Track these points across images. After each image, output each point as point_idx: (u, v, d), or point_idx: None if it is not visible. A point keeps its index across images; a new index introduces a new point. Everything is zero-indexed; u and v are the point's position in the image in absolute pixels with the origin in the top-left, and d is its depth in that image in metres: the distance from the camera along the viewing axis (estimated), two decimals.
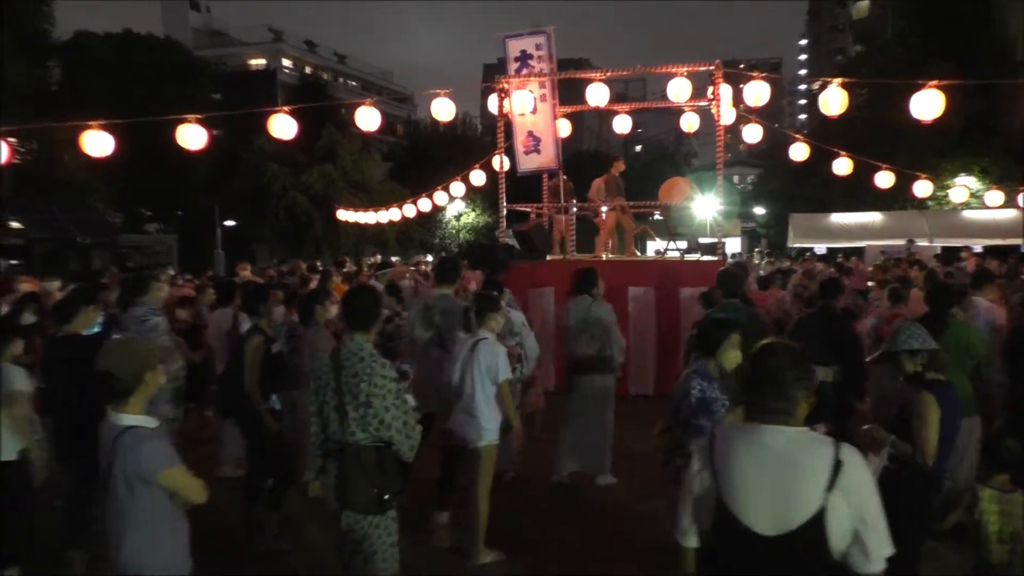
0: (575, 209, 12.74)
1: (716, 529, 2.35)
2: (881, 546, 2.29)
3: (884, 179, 13.26)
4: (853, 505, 2.25)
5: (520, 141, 11.71)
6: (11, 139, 21.77)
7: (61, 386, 4.89)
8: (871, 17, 51.05)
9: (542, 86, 11.36)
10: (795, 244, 24.74)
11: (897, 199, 21.87)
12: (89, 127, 9.21)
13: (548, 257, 11.33)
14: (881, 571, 2.30)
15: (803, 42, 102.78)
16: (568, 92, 12.78)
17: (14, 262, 22.76)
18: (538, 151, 11.58)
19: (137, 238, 31.74)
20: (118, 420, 3.00)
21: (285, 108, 9.87)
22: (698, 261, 11.19)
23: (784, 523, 2.24)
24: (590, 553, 5.42)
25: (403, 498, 3.88)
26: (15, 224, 24.14)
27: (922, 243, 20.05)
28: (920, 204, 22.69)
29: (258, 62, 54.71)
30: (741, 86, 10.19)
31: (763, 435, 2.32)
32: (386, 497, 3.71)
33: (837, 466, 2.25)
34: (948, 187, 20.27)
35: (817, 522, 2.22)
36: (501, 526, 5.80)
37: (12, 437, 4.53)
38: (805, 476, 2.25)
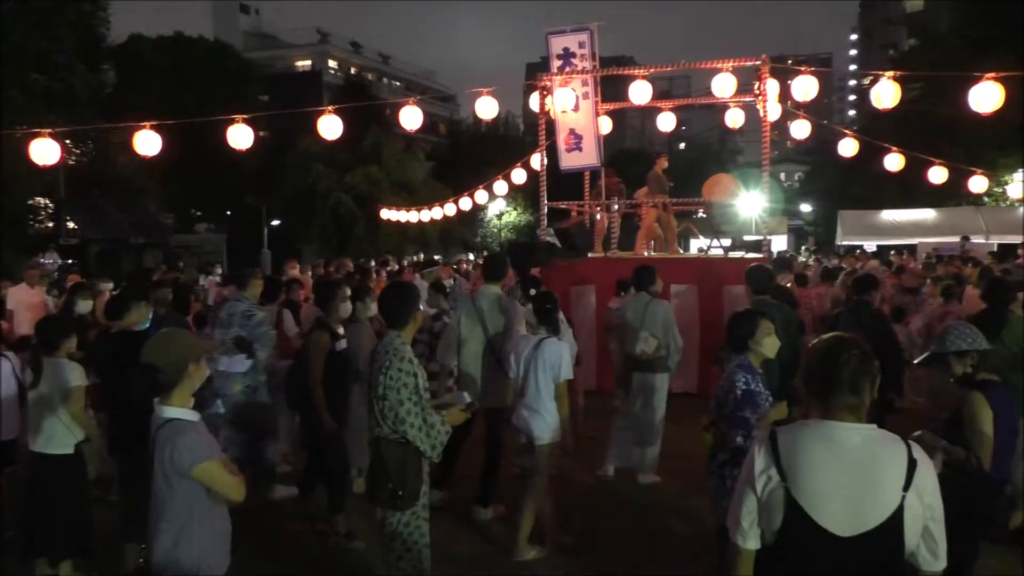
0: (616, 207, 12.67)
1: (787, 530, 2.26)
2: (943, 541, 2.28)
3: (938, 175, 12.94)
4: (926, 504, 2.23)
5: (562, 139, 11.68)
6: (67, 140, 22.54)
7: (113, 381, 5.00)
8: (925, 10, 49.86)
9: (584, 84, 11.32)
10: (844, 241, 24.26)
11: (951, 195, 21.31)
12: (141, 128, 9.45)
13: (589, 255, 11.28)
14: (943, 570, 2.28)
15: (853, 37, 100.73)
16: (610, 90, 12.72)
17: (70, 261, 23.43)
18: (580, 149, 11.55)
19: (187, 238, 32.48)
20: (161, 412, 2.99)
21: (331, 108, 10.00)
22: (742, 258, 11.03)
23: (862, 523, 2.19)
24: (633, 549, 5.38)
25: (428, 496, 3.88)
26: (71, 224, 24.85)
27: (978, 240, 19.52)
28: (975, 200, 22.07)
29: (304, 64, 55.51)
30: (788, 81, 10.02)
31: (838, 433, 2.26)
32: (400, 494, 3.67)
33: (912, 465, 2.22)
34: (1005, 183, 19.68)
35: (895, 521, 2.19)
36: (540, 522, 5.81)
37: (68, 431, 4.66)
38: (883, 475, 2.21)
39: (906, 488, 2.19)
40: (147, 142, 9.48)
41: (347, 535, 5.43)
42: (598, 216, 12.89)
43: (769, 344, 4.11)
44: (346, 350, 5.72)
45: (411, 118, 10.26)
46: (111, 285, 10.10)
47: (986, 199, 23.45)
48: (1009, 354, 5.29)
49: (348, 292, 6.50)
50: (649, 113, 13.45)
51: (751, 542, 2.36)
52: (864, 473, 2.21)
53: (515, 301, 6.28)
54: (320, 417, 5.29)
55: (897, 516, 2.18)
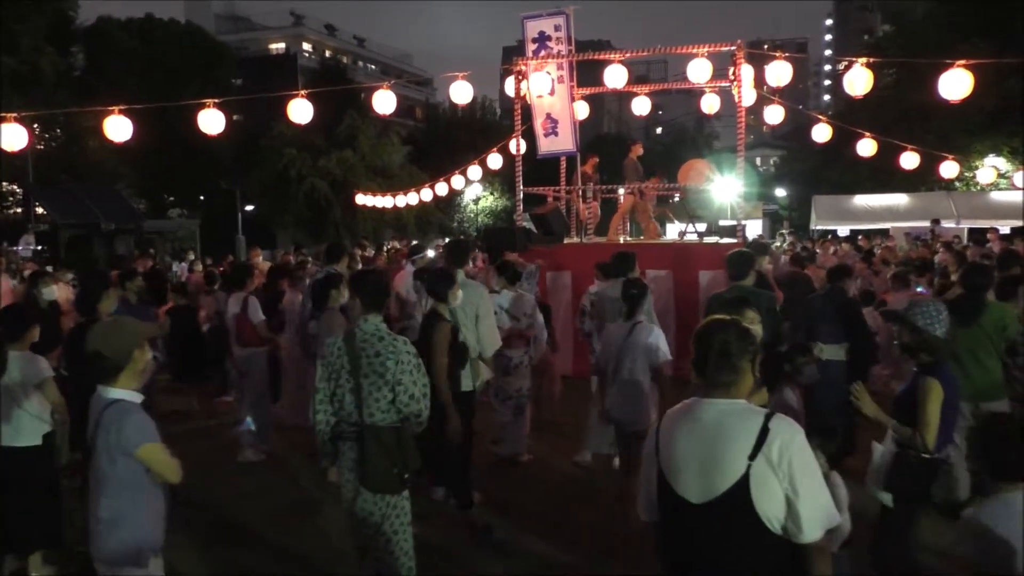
0: (591, 195, 12.69)
1: (659, 501, 2.47)
2: (817, 517, 2.29)
3: (909, 160, 13.06)
4: (782, 474, 2.27)
5: (539, 124, 11.65)
6: (35, 125, 22.13)
7: (80, 372, 4.94)
8: None
9: (560, 68, 11.27)
10: (818, 226, 24.49)
11: (924, 181, 21.57)
12: (110, 112, 9.29)
13: (565, 240, 11.28)
14: (814, 541, 2.30)
15: (829, 22, 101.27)
16: (588, 74, 12.69)
17: (40, 247, 23.05)
18: (556, 134, 11.52)
19: (161, 224, 32.02)
20: (105, 393, 3.10)
21: (302, 92, 9.88)
22: (716, 244, 11.09)
23: (711, 490, 2.31)
24: (610, 535, 5.41)
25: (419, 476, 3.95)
26: (41, 210, 24.45)
27: (948, 224, 19.76)
28: (948, 185, 22.33)
29: (278, 46, 54.85)
30: (764, 66, 10.05)
31: (700, 408, 2.43)
32: (406, 476, 3.77)
33: (764, 433, 2.29)
34: (976, 168, 19.92)
35: (741, 488, 2.27)
36: (522, 507, 5.84)
37: (35, 423, 4.59)
38: (730, 444, 2.31)
39: (752, 456, 2.27)
40: (117, 127, 9.32)
41: (486, 528, 5.33)
42: (588, 202, 12.87)
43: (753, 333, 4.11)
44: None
45: (384, 103, 10.17)
46: (70, 276, 10.00)
47: (958, 184, 23.74)
48: (985, 339, 5.39)
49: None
50: (627, 98, 13.46)
51: (649, 514, 2.58)
52: (712, 443, 2.34)
53: (481, 284, 6.30)
54: (447, 412, 4.99)
55: (743, 483, 2.27)
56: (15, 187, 24.88)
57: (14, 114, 8.78)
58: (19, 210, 25.84)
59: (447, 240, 31.29)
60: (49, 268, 10.41)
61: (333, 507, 5.59)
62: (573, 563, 5.00)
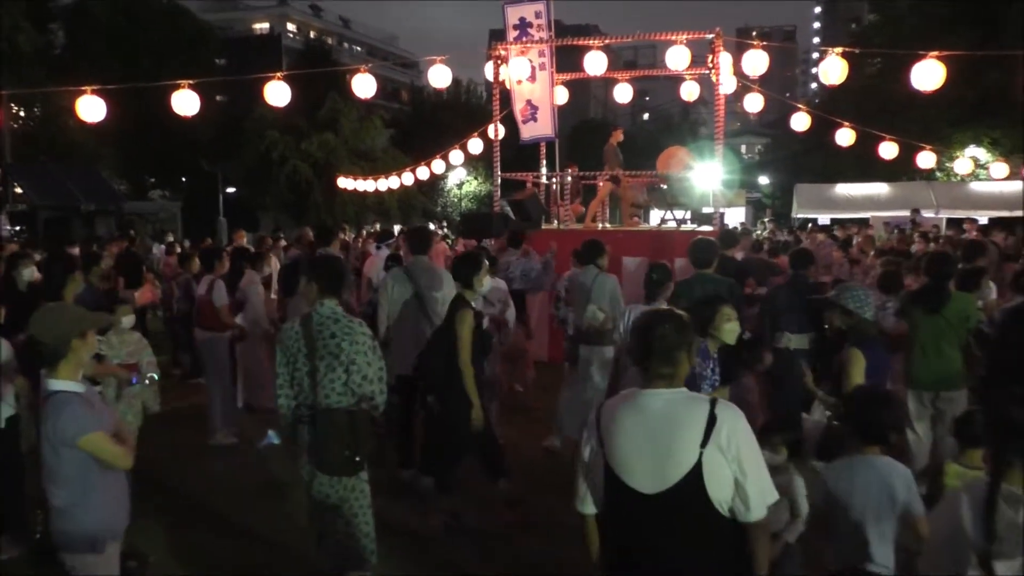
0: (570, 179, 12.70)
1: (607, 493, 2.45)
2: (761, 495, 2.38)
3: (888, 150, 13.15)
4: (731, 458, 2.34)
5: (519, 110, 11.62)
6: (11, 104, 21.83)
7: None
8: None
9: (541, 54, 11.24)
10: (799, 214, 24.61)
11: (906, 170, 21.67)
12: (83, 92, 9.17)
13: (543, 226, 11.29)
14: (761, 519, 2.39)
15: (818, 10, 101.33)
16: (574, 59, 12.65)
17: (18, 228, 22.82)
18: (535, 119, 11.51)
19: (142, 205, 31.75)
20: (47, 385, 3.08)
21: (279, 75, 9.79)
22: (693, 231, 11.13)
23: (664, 480, 2.34)
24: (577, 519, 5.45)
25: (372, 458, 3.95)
26: (18, 190, 24.16)
27: (928, 214, 19.91)
28: (929, 175, 22.48)
29: (262, 26, 54.32)
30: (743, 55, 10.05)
31: (643, 399, 2.44)
32: (358, 459, 3.79)
33: (712, 420, 2.35)
34: (955, 158, 20.05)
35: (695, 475, 2.31)
36: (489, 491, 5.88)
37: None
38: (681, 433, 2.35)
39: (704, 444, 2.32)
40: (91, 108, 9.21)
41: (454, 514, 5.33)
42: (566, 203, 12.87)
43: (729, 330, 4.09)
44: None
45: (364, 86, 10.11)
46: (37, 256, 9.93)
47: (938, 174, 23.90)
48: (948, 328, 5.47)
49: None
50: (613, 84, 13.41)
51: (588, 507, 2.59)
52: (663, 434, 2.37)
53: (445, 271, 6.33)
54: (474, 402, 4.94)
55: (696, 471, 2.32)
56: None
57: None
58: None
59: (431, 225, 31.33)
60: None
61: (301, 490, 5.61)
62: (539, 546, 5.05)
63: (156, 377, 5.76)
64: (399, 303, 5.96)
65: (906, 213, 19.24)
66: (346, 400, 3.76)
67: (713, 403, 2.40)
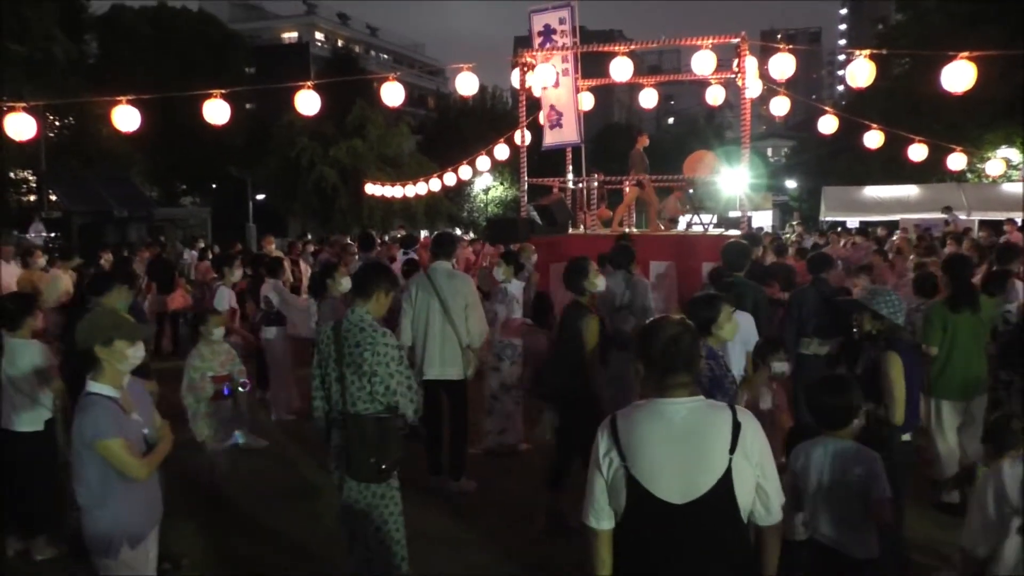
0: (596, 184, 12.71)
1: (631, 506, 2.39)
2: (778, 497, 2.45)
3: (917, 152, 12.97)
4: (754, 463, 2.38)
5: (545, 115, 11.68)
6: (47, 113, 22.27)
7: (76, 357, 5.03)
8: None
9: (564, 60, 11.27)
10: (827, 217, 24.38)
11: (935, 172, 21.40)
12: (118, 102, 9.34)
13: (569, 231, 11.32)
14: (778, 521, 2.46)
15: (843, 11, 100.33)
16: (599, 64, 12.66)
17: (53, 234, 23.27)
18: (560, 125, 11.54)
19: (172, 211, 32.27)
20: (87, 387, 3.14)
21: (310, 84, 9.90)
22: (721, 235, 11.09)
23: (694, 489, 2.32)
24: None
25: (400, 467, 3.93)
26: (53, 197, 24.63)
27: (959, 216, 19.63)
28: (959, 177, 22.17)
29: (291, 35, 54.89)
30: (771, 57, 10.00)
31: (667, 409, 2.41)
32: (384, 467, 3.77)
33: (736, 428, 2.36)
34: (988, 159, 19.73)
35: (725, 483, 2.32)
36: (515, 496, 5.92)
37: (37, 408, 4.71)
38: (709, 441, 2.36)
39: (732, 451, 2.33)
40: (126, 117, 9.34)
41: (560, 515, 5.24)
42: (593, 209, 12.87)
43: (729, 329, 4.14)
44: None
45: (393, 94, 10.17)
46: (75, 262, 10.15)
47: (969, 175, 23.56)
48: (981, 330, 5.48)
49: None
50: (637, 88, 13.38)
51: (604, 523, 2.47)
52: (691, 443, 2.35)
53: (468, 276, 6.37)
54: (598, 400, 4.90)
55: (726, 478, 2.32)
56: (28, 174, 25.05)
57: (23, 103, 8.86)
58: (32, 197, 26.04)
59: (457, 230, 31.41)
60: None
61: (330, 493, 5.69)
62: (571, 553, 5.05)
63: (247, 387, 5.76)
64: (423, 309, 5.99)
65: (936, 215, 19.02)
66: (374, 407, 3.76)
67: (734, 409, 2.43)
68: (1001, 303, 6.19)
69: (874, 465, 3.23)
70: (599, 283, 5.32)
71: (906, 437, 4.06)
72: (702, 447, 2.35)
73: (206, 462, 5.90)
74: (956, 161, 13.51)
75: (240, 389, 5.65)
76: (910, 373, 4.00)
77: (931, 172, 21.17)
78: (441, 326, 5.91)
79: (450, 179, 18.93)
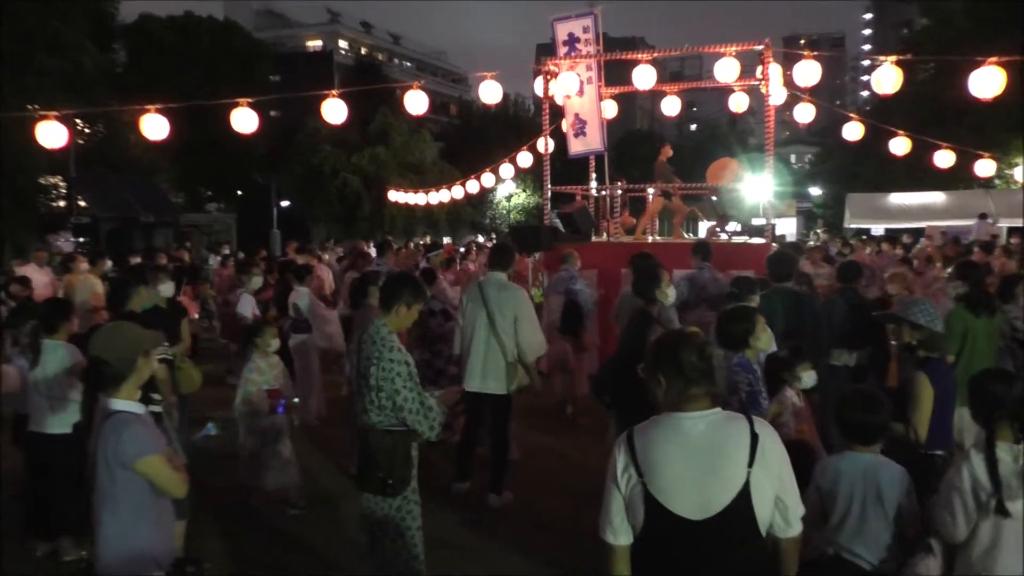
0: (619, 192, 12.70)
1: (648, 522, 2.35)
2: (797, 507, 2.42)
3: (944, 159, 12.81)
4: (773, 474, 2.34)
5: (569, 124, 11.70)
6: (77, 121, 22.64)
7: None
8: None
9: (588, 68, 11.29)
10: (851, 225, 24.12)
11: (962, 178, 21.13)
12: (146, 111, 9.47)
13: (592, 239, 11.31)
14: (799, 534, 2.42)
15: (867, 16, 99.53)
16: (621, 71, 12.67)
17: (81, 239, 23.59)
18: (584, 133, 11.56)
19: (198, 217, 32.63)
20: (108, 404, 2.96)
21: (335, 92, 9.97)
22: (745, 243, 11.04)
23: (713, 505, 2.29)
24: None
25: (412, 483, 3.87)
26: (82, 203, 25.00)
27: (987, 222, 19.37)
28: (987, 183, 21.88)
29: (315, 43, 55.45)
30: (794, 65, 9.95)
31: (685, 423, 2.37)
32: (389, 482, 3.71)
33: (755, 439, 2.33)
34: (1015, 165, 19.48)
35: (744, 497, 2.28)
36: (538, 506, 5.92)
37: (66, 412, 4.78)
38: (727, 455, 2.32)
39: (751, 464, 2.29)
40: (154, 125, 9.45)
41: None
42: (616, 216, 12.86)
43: (765, 339, 4.12)
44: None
45: (416, 102, 10.21)
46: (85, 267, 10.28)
47: (997, 182, 23.24)
48: (996, 333, 5.44)
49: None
50: (659, 95, 13.35)
51: (622, 538, 2.43)
52: (709, 458, 2.32)
53: (521, 288, 6.30)
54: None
55: (744, 493, 2.28)
56: (58, 180, 25.46)
57: (54, 113, 9.01)
58: (62, 203, 26.46)
59: (479, 237, 31.42)
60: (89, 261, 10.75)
61: (352, 500, 5.72)
62: (588, 562, 5.05)
63: (296, 401, 5.73)
64: (471, 320, 5.92)
65: (963, 222, 18.77)
66: (387, 420, 3.71)
67: (751, 421, 2.39)
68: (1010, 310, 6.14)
69: (905, 480, 3.19)
70: (670, 293, 5.25)
71: (940, 452, 4.00)
72: (720, 462, 2.31)
73: (241, 470, 5.90)
74: (984, 167, 13.34)
75: (295, 401, 5.63)
76: (943, 390, 3.94)
77: (958, 178, 20.91)
78: (486, 338, 5.83)
79: (473, 186, 18.99)
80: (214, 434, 6.23)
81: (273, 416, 5.60)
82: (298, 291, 8.22)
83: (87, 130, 26.34)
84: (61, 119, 8.94)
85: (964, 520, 3.00)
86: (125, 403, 2.97)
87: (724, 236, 11.93)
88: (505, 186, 34.41)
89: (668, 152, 11.89)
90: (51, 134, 8.86)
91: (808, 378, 4.36)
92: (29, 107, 16.45)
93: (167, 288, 6.42)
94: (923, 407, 3.89)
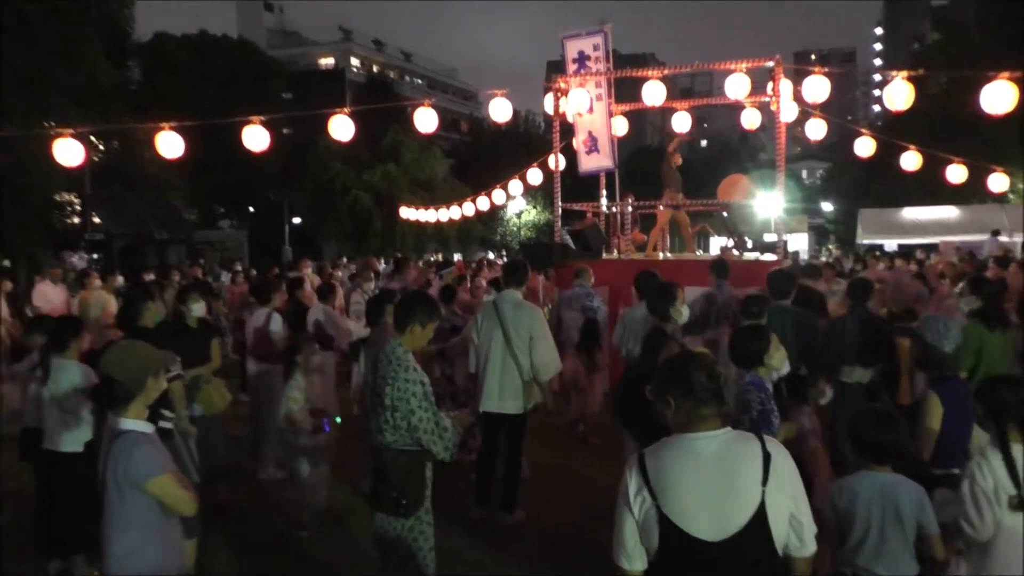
0: (630, 208, 12.70)
1: (664, 545, 2.32)
2: (811, 527, 2.41)
3: (956, 173, 12.74)
4: (787, 493, 2.33)
5: (580, 141, 11.73)
6: (92, 138, 22.86)
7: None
8: (952, 2, 49.01)
9: (598, 85, 11.33)
10: (864, 240, 24.04)
11: (976, 193, 21.04)
12: (161, 129, 9.54)
13: (603, 256, 11.30)
14: (813, 553, 2.40)
15: (878, 31, 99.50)
16: (631, 88, 12.72)
17: (95, 256, 23.77)
18: (596, 151, 11.59)
19: (211, 234, 32.83)
20: (117, 424, 2.97)
21: (345, 110, 10.03)
22: (757, 260, 11.00)
23: (730, 525, 2.27)
24: None
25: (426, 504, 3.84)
26: (96, 220, 25.21)
27: (1002, 238, 19.25)
28: (1001, 197, 21.77)
29: (327, 61, 55.93)
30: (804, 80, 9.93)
31: (697, 444, 2.36)
32: (403, 502, 3.70)
33: (767, 457, 2.32)
34: None
35: (760, 516, 2.27)
36: (553, 525, 5.89)
37: (78, 431, 4.79)
38: (741, 475, 2.31)
39: (764, 482, 2.28)
40: (169, 143, 9.51)
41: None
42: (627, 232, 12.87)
43: (779, 358, 4.09)
44: None
45: (426, 120, 10.25)
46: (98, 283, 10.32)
47: (1011, 196, 23.11)
48: (1011, 346, 5.40)
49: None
50: (670, 111, 13.36)
51: (637, 563, 2.40)
52: (723, 478, 2.30)
53: (536, 307, 6.28)
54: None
55: (760, 512, 2.27)
56: (72, 197, 25.72)
57: (70, 131, 9.09)
58: (77, 220, 26.71)
59: (490, 254, 31.48)
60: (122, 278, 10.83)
61: (364, 517, 5.70)
62: None
63: (339, 420, 5.65)
64: (487, 339, 5.88)
65: (976, 237, 18.67)
66: (401, 440, 3.69)
67: (762, 439, 2.39)
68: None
69: (923, 499, 3.18)
70: (684, 312, 5.24)
71: (955, 471, 3.96)
72: (734, 482, 2.30)
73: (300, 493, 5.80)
74: (997, 182, 13.26)
75: (337, 420, 5.57)
76: (957, 408, 3.91)
77: (971, 192, 20.81)
78: (503, 358, 5.80)
79: (483, 203, 19.05)
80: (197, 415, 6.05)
81: (316, 435, 5.52)
82: (318, 307, 8.26)
83: (102, 147, 26.60)
84: (77, 136, 9.02)
85: (991, 518, 3.05)
86: (134, 422, 2.98)
87: (736, 253, 11.87)
88: (515, 203, 34.50)
89: (678, 160, 11.80)
90: (68, 152, 8.92)
91: (823, 399, 4.35)
92: (45, 124, 16.65)
93: (199, 308, 6.34)
94: (928, 426, 3.89)
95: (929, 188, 22.57)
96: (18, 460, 5.51)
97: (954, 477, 3.91)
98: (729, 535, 2.26)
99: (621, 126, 12.63)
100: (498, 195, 18.12)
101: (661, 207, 12.11)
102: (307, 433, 5.54)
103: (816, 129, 11.80)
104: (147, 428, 3.03)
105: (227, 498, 6.24)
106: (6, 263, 20.93)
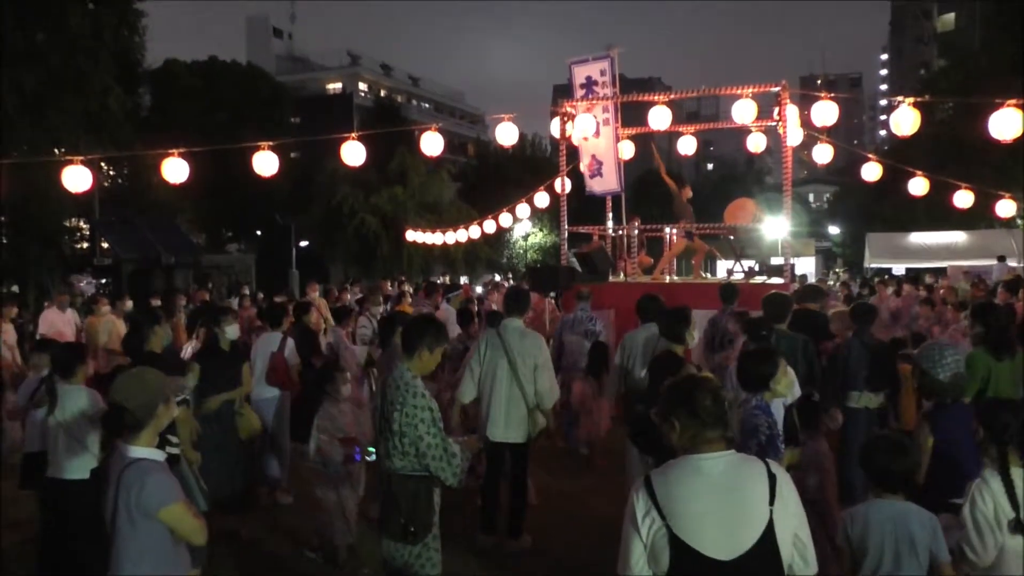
0: (636, 231, 12.70)
1: (675, 565, 2.31)
2: (812, 547, 2.44)
3: (963, 199, 12.74)
4: (791, 512, 2.38)
5: (585, 165, 11.77)
6: (102, 163, 23.08)
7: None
8: (957, 29, 49.32)
9: (605, 110, 11.40)
10: (872, 264, 23.99)
11: (984, 217, 21.02)
12: (169, 155, 9.61)
13: (610, 279, 11.30)
14: (816, 574, 2.42)
15: (884, 56, 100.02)
16: (638, 112, 12.78)
17: (103, 280, 23.86)
18: (601, 174, 11.62)
19: (218, 258, 32.91)
20: (127, 452, 2.95)
21: (354, 135, 10.09)
22: (764, 284, 10.97)
23: (741, 543, 2.29)
24: None
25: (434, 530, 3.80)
26: (105, 245, 25.35)
27: (1012, 263, 19.20)
28: (1010, 222, 21.74)
29: (335, 86, 56.41)
30: (812, 105, 9.96)
31: (704, 464, 2.39)
32: (411, 529, 3.66)
33: (772, 477, 2.37)
34: None
35: (769, 536, 2.30)
36: (561, 550, 5.83)
37: (84, 457, 4.76)
38: (749, 494, 2.35)
39: (772, 502, 2.33)
40: (175, 169, 9.56)
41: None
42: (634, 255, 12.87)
43: (785, 383, 4.09)
44: None
45: (432, 144, 10.31)
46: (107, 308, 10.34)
47: (1019, 221, 23.08)
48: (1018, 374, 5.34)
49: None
50: (677, 135, 13.44)
51: None
52: (732, 497, 2.34)
53: (540, 335, 6.25)
54: None
55: (769, 531, 2.30)
56: (81, 222, 25.92)
57: (80, 157, 9.17)
58: (85, 245, 26.88)
59: (496, 276, 31.49)
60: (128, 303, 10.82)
61: (372, 543, 5.64)
62: None
63: (373, 452, 5.66)
64: (491, 368, 5.84)
65: (984, 262, 18.62)
66: (410, 466, 3.66)
67: (766, 462, 2.44)
68: None
69: (936, 527, 3.16)
70: (695, 335, 5.23)
71: (958, 501, 3.91)
72: (743, 500, 2.33)
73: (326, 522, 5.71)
74: (1005, 208, 13.25)
75: (370, 450, 5.48)
76: (952, 435, 3.87)
77: (979, 217, 20.79)
78: (508, 387, 5.76)
79: (490, 226, 19.11)
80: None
81: (348, 465, 5.42)
82: (332, 330, 8.22)
83: (111, 172, 26.84)
84: (86, 163, 9.09)
85: (992, 542, 3.06)
86: (145, 450, 2.97)
87: (739, 275, 11.84)
88: (522, 226, 34.54)
89: (688, 193, 11.88)
90: (76, 178, 9.00)
91: (833, 425, 4.32)
92: (55, 150, 16.80)
93: (232, 330, 6.26)
94: (921, 454, 3.84)
95: (936, 212, 22.59)
96: (17, 488, 5.48)
97: (952, 506, 3.86)
98: (740, 554, 2.28)
99: (627, 150, 12.68)
100: (505, 218, 18.19)
101: (668, 232, 12.13)
102: (337, 464, 5.40)
103: (823, 154, 11.82)
104: (159, 456, 3.01)
105: (233, 524, 6.20)
106: (14, 288, 21.04)
